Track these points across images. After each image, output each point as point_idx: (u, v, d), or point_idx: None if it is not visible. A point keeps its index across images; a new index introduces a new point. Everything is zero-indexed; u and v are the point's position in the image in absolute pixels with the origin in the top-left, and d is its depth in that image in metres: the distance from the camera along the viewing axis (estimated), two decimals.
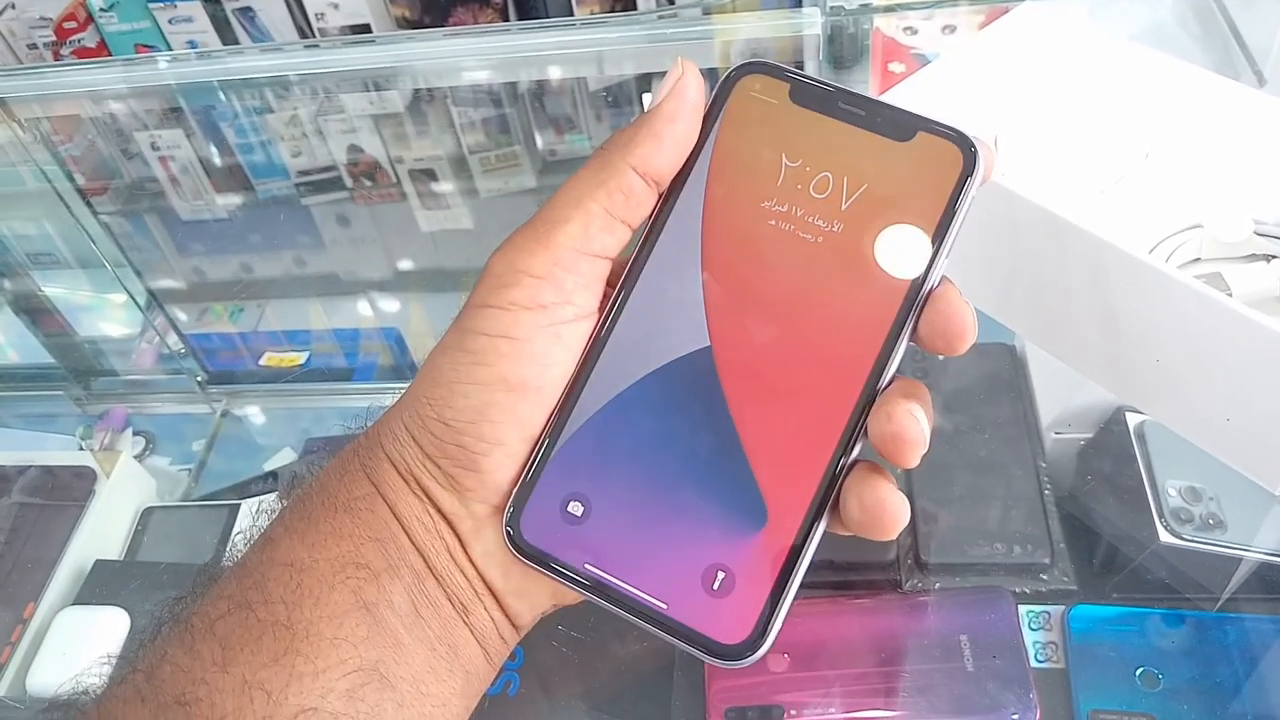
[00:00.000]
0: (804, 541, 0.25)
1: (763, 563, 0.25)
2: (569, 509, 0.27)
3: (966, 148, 0.26)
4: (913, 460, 0.26)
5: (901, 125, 0.27)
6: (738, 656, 0.24)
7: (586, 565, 0.26)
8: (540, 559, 0.27)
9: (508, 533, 0.27)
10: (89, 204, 0.82)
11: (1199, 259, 0.41)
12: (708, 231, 0.27)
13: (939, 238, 0.26)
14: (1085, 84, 0.45)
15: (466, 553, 0.27)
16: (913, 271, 0.26)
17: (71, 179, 0.81)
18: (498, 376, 0.26)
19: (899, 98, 0.40)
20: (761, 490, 0.26)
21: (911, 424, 0.25)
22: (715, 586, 0.25)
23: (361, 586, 0.26)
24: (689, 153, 0.28)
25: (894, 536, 0.25)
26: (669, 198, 0.28)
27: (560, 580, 0.27)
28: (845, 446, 0.26)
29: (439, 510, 0.27)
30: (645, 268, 0.28)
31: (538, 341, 0.27)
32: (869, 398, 0.26)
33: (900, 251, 0.26)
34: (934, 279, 0.26)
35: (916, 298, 0.26)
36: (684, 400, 0.27)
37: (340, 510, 0.27)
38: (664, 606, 0.25)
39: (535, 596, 0.28)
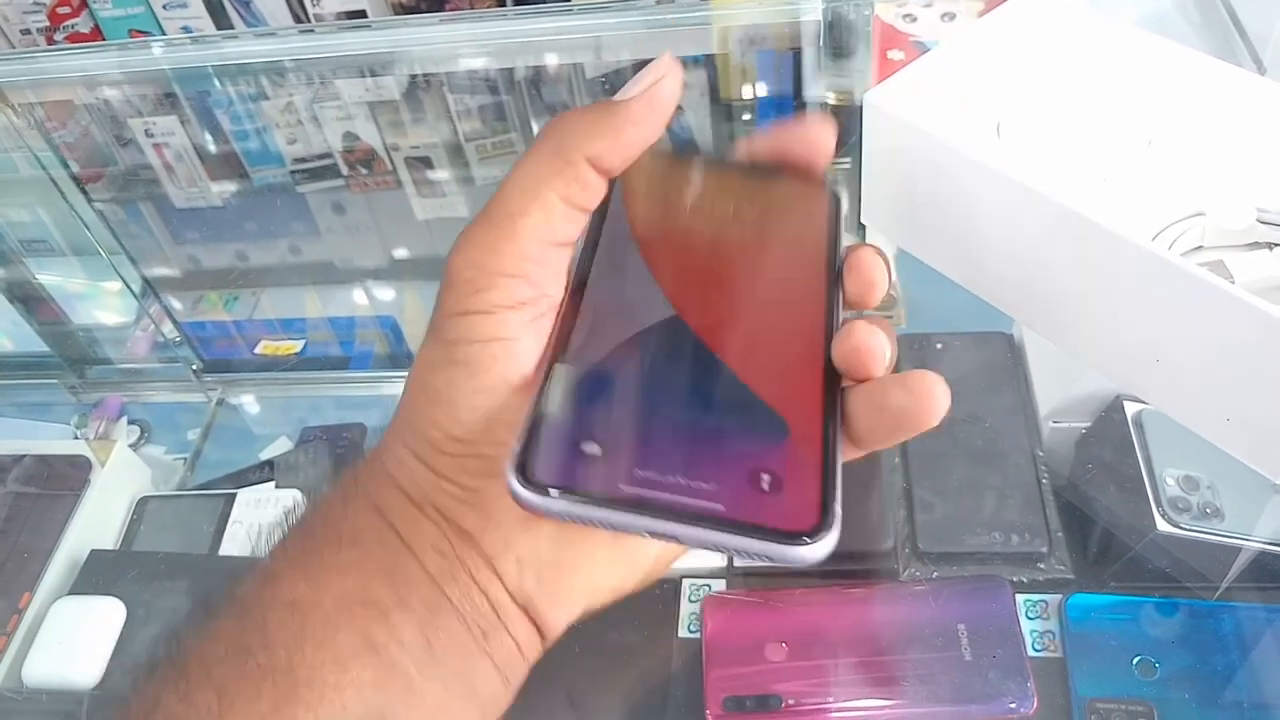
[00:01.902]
0: (830, 438, 0.26)
1: (801, 460, 0.25)
2: (587, 449, 0.25)
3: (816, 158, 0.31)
4: (878, 370, 0.26)
5: (763, 168, 0.31)
6: (813, 540, 0.24)
7: (622, 489, 0.25)
8: (570, 497, 0.24)
9: (530, 488, 0.24)
10: (84, 191, 0.81)
11: (1201, 247, 0.40)
12: (640, 238, 0.29)
13: (833, 202, 0.31)
14: (1086, 71, 0.44)
15: (494, 570, 0.26)
16: (822, 227, 0.30)
17: (66, 166, 0.80)
18: (500, 379, 0.26)
19: (894, 85, 0.41)
20: (773, 407, 0.26)
21: (869, 334, 0.26)
22: (766, 487, 0.25)
23: (369, 626, 0.25)
24: (642, 152, 0.28)
25: (879, 373, 0.26)
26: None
27: (599, 518, 0.24)
28: (829, 360, 0.27)
29: (459, 530, 0.26)
30: (592, 269, 0.28)
31: (526, 338, 0.26)
32: (830, 324, 0.28)
33: (806, 215, 0.31)
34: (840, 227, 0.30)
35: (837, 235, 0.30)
36: (671, 353, 0.27)
37: (346, 544, 0.26)
38: (720, 509, 0.25)
39: (574, 595, 0.27)
